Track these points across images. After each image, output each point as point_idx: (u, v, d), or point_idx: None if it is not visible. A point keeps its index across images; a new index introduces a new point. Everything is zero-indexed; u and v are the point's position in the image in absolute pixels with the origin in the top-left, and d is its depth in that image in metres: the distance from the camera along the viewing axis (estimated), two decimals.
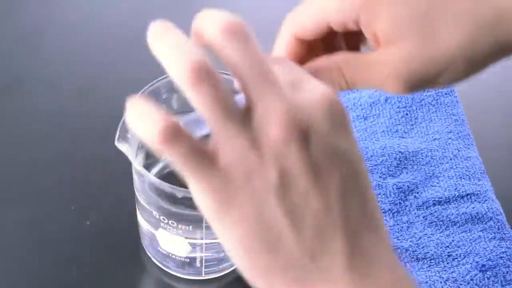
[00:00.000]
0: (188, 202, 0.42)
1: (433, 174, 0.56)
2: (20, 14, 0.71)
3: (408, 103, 0.60)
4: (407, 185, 0.55)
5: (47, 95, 0.63)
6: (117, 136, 0.42)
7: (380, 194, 0.55)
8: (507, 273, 0.50)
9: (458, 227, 0.53)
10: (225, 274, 0.50)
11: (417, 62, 0.34)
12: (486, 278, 0.49)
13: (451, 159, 0.57)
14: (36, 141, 0.59)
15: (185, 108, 0.49)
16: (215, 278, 0.50)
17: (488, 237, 0.52)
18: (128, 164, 0.43)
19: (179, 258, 0.47)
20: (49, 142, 0.59)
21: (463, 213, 0.54)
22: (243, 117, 0.28)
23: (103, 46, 0.69)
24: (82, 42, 0.69)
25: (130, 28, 0.72)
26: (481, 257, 0.51)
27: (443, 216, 0.54)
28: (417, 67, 0.34)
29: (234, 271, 0.50)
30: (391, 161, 0.57)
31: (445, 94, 0.61)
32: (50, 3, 0.74)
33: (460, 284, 0.49)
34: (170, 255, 0.48)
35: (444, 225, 0.53)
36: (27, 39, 0.69)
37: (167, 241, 0.46)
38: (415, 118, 0.60)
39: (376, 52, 0.35)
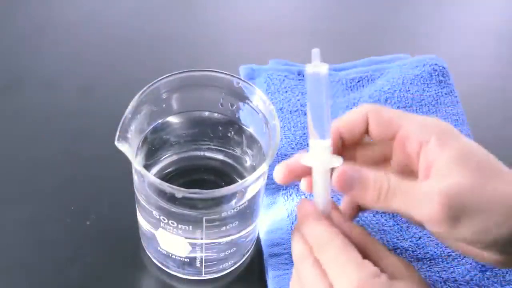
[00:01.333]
0: (188, 202, 0.42)
1: None
2: (20, 14, 0.72)
3: (408, 103, 0.60)
4: None
5: (47, 95, 0.63)
6: (117, 136, 0.42)
7: None
8: (507, 273, 0.50)
9: None
10: (225, 274, 0.50)
11: (468, 193, 0.36)
12: (485, 278, 0.49)
13: None
14: (36, 141, 0.59)
15: (185, 108, 0.49)
16: (215, 278, 0.50)
17: None
18: (128, 164, 0.43)
19: (179, 258, 0.48)
20: (49, 142, 0.59)
21: None
22: None
23: (103, 46, 0.69)
24: (82, 42, 0.69)
25: (130, 28, 0.72)
26: None
27: None
28: (466, 197, 0.36)
29: (234, 271, 0.50)
30: None
31: (445, 94, 0.61)
32: (50, 3, 0.74)
33: (460, 284, 0.49)
34: (170, 255, 0.48)
35: None
36: (27, 39, 0.69)
37: (167, 241, 0.46)
38: None
39: (427, 182, 0.37)
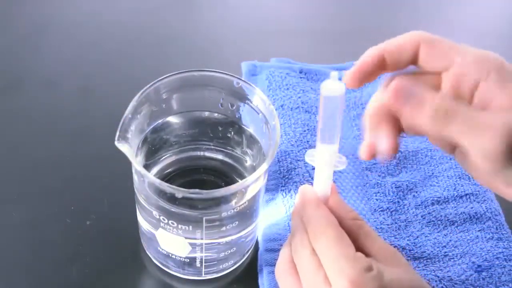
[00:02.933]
0: (188, 202, 0.42)
1: (433, 173, 0.56)
2: (20, 14, 0.72)
3: None
4: (406, 184, 0.55)
5: (47, 95, 0.63)
6: (117, 136, 0.42)
7: (379, 192, 0.55)
8: (503, 274, 0.50)
9: (456, 226, 0.53)
10: (225, 274, 0.50)
11: None
12: (481, 279, 0.49)
13: (450, 159, 0.57)
14: (36, 141, 0.59)
15: (185, 108, 0.50)
16: (215, 278, 0.50)
17: (485, 237, 0.52)
18: (128, 164, 0.43)
19: (179, 258, 0.48)
20: (49, 142, 0.59)
21: (461, 213, 0.54)
22: None
23: (103, 46, 0.69)
24: (82, 42, 0.69)
25: (130, 28, 0.72)
26: (477, 257, 0.51)
27: (441, 216, 0.54)
28: None
29: (234, 271, 0.50)
30: (390, 160, 0.57)
31: None
32: (50, 3, 0.74)
33: (455, 284, 0.49)
34: (170, 255, 0.48)
35: (442, 225, 0.53)
36: (27, 39, 0.69)
37: (167, 241, 0.46)
38: None
39: (489, 113, 0.35)
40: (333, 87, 0.37)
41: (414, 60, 0.38)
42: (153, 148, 0.49)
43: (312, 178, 0.55)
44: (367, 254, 0.39)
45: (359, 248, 0.39)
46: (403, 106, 0.35)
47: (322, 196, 0.42)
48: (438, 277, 0.49)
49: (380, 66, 0.38)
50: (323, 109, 0.38)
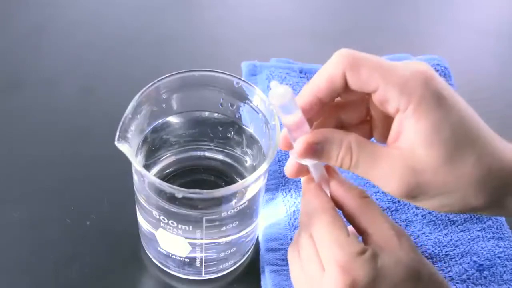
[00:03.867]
0: (188, 202, 0.42)
1: None
2: (20, 14, 0.72)
3: None
4: None
5: (47, 95, 0.63)
6: (117, 136, 0.42)
7: (379, 192, 0.55)
8: (504, 272, 0.50)
9: (457, 226, 0.53)
10: (225, 274, 0.50)
11: (430, 173, 0.35)
12: (483, 277, 0.49)
13: None
14: (36, 141, 0.59)
15: (185, 108, 0.49)
16: (215, 278, 0.50)
17: (486, 236, 0.52)
18: (128, 164, 0.43)
19: (179, 258, 0.48)
20: (49, 142, 0.59)
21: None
22: None
23: (103, 46, 0.69)
24: (82, 42, 0.69)
25: (130, 28, 0.72)
26: (478, 256, 0.51)
27: (441, 215, 0.54)
28: (427, 178, 0.35)
29: (234, 271, 0.50)
30: None
31: None
32: (50, 3, 0.74)
33: (457, 283, 0.49)
34: (170, 255, 0.48)
35: (442, 224, 0.53)
36: (27, 39, 0.69)
37: (167, 241, 0.46)
38: None
39: (391, 147, 0.37)
40: (281, 92, 0.36)
41: (347, 86, 0.37)
42: (153, 148, 0.49)
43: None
44: (369, 235, 0.38)
45: (361, 229, 0.39)
46: (316, 160, 0.38)
47: (322, 181, 0.41)
48: None
49: (318, 107, 0.38)
50: (283, 115, 0.37)
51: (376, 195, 0.54)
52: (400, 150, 0.36)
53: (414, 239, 0.52)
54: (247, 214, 0.46)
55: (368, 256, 0.36)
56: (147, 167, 0.49)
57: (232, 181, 0.50)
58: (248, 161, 0.50)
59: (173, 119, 0.49)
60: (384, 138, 0.39)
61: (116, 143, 0.42)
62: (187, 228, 0.44)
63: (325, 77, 0.38)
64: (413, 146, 0.35)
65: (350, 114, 0.40)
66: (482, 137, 0.36)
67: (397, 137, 0.37)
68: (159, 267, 0.50)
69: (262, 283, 0.49)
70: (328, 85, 0.37)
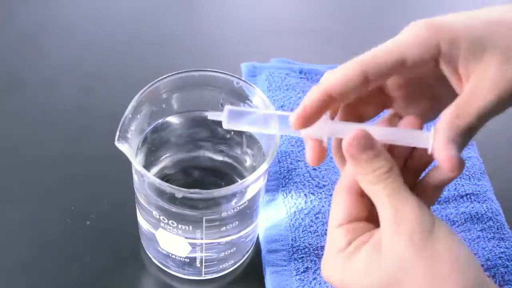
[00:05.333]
0: (188, 202, 0.42)
1: None
2: (20, 14, 0.72)
3: None
4: None
5: (47, 95, 0.63)
6: (117, 136, 0.42)
7: None
8: (505, 273, 0.50)
9: (457, 226, 0.53)
10: (225, 274, 0.50)
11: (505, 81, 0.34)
12: None
13: None
14: (36, 141, 0.59)
15: (185, 108, 0.49)
16: (215, 278, 0.50)
17: (487, 237, 0.52)
18: (128, 164, 0.43)
19: (179, 258, 0.48)
20: (49, 142, 0.59)
21: (462, 213, 0.54)
22: None
23: (103, 46, 0.69)
24: (82, 42, 0.69)
25: (130, 28, 0.72)
26: (479, 257, 0.51)
27: (442, 216, 0.54)
28: (505, 85, 0.34)
29: (234, 271, 0.50)
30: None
31: None
32: (50, 3, 0.74)
33: None
34: (170, 255, 0.48)
35: None
36: (27, 39, 0.69)
37: (167, 241, 0.46)
38: None
39: (469, 85, 0.35)
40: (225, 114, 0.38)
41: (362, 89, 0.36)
42: (153, 148, 0.49)
43: (313, 178, 0.55)
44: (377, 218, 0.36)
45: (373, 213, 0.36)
46: (353, 163, 0.35)
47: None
48: None
49: (326, 104, 0.36)
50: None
51: None
52: (474, 80, 0.34)
53: None
54: (247, 214, 0.46)
55: (346, 254, 0.35)
56: (147, 167, 0.49)
57: (232, 181, 0.50)
58: (248, 161, 0.50)
59: (173, 119, 0.49)
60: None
61: (116, 143, 0.42)
62: (187, 228, 0.44)
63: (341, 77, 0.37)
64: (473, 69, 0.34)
65: (368, 107, 0.39)
66: None
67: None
68: (159, 267, 0.50)
69: (266, 285, 0.49)
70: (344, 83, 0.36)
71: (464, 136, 0.34)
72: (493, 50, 0.35)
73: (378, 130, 0.36)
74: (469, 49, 0.35)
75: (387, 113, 0.40)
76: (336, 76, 0.37)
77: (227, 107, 0.39)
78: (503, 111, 0.35)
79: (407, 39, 0.36)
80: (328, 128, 0.37)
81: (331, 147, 0.40)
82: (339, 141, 0.38)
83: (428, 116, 0.39)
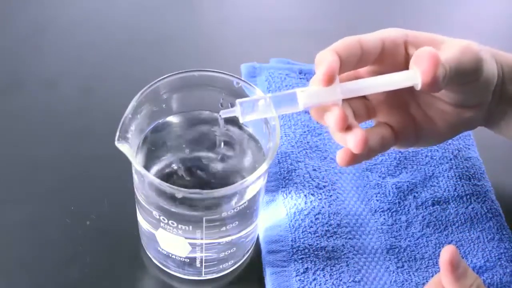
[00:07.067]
0: (188, 202, 0.42)
1: (433, 174, 0.56)
2: (20, 14, 0.72)
3: None
4: (407, 185, 0.55)
5: (47, 95, 0.63)
6: (117, 136, 0.42)
7: (379, 193, 0.55)
8: (505, 274, 0.50)
9: (457, 227, 0.53)
10: (225, 274, 0.50)
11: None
12: (483, 279, 0.49)
13: (451, 159, 0.57)
14: (36, 141, 0.59)
15: (185, 108, 0.49)
16: (215, 278, 0.50)
17: (487, 237, 0.52)
18: (128, 164, 0.43)
19: (179, 258, 0.48)
20: (49, 142, 0.59)
21: (462, 214, 0.54)
22: None
23: (103, 46, 0.69)
24: (82, 42, 0.69)
25: (130, 28, 0.72)
26: (479, 258, 0.51)
27: (442, 216, 0.54)
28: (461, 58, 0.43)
29: (234, 271, 0.50)
30: (390, 161, 0.57)
31: None
32: (50, 3, 0.74)
33: None
34: (170, 255, 0.48)
35: (442, 225, 0.53)
36: (27, 39, 0.69)
37: (167, 241, 0.46)
38: None
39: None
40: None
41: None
42: (153, 148, 0.49)
43: (313, 179, 0.55)
44: None
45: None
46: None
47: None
48: None
49: (338, 66, 0.41)
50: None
51: (376, 196, 0.54)
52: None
53: (415, 240, 0.52)
54: (247, 214, 0.46)
55: None
56: (147, 167, 0.49)
57: (232, 181, 0.50)
58: (248, 161, 0.50)
59: (173, 119, 0.49)
60: None
61: (116, 143, 0.42)
62: (187, 228, 0.44)
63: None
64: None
65: (357, 119, 0.44)
66: None
67: None
68: (159, 267, 0.50)
69: (266, 286, 0.49)
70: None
71: (442, 67, 0.40)
72: (450, 43, 0.45)
73: (373, 79, 0.42)
74: (429, 42, 0.44)
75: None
76: (339, 42, 0.44)
77: (238, 101, 0.40)
78: (462, 81, 0.43)
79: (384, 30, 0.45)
80: (340, 88, 0.40)
81: (329, 126, 0.42)
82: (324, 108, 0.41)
83: (405, 123, 0.45)
